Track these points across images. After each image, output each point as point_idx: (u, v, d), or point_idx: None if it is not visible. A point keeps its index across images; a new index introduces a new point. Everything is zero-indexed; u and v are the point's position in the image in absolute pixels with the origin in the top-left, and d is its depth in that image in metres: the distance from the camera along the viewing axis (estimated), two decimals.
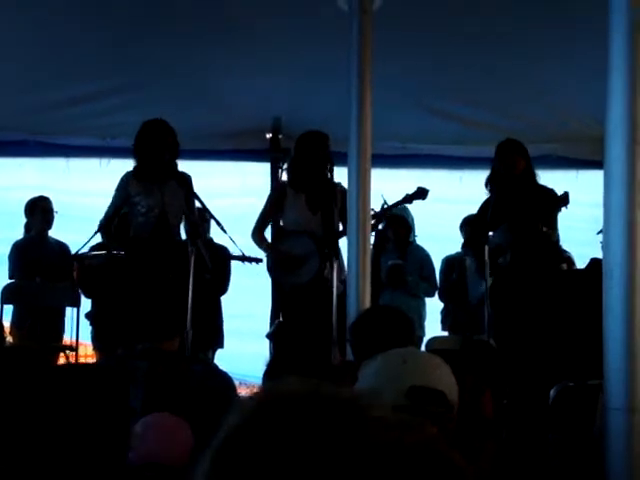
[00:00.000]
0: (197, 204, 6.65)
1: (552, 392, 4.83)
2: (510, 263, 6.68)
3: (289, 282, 6.88)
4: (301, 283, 6.78)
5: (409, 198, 7.07)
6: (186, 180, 6.63)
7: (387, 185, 7.37)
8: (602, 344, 2.90)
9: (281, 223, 7.13)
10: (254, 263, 6.94)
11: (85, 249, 6.70)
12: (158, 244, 6.55)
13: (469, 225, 7.70)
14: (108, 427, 2.17)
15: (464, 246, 7.51)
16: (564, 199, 6.62)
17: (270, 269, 7.07)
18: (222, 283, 7.74)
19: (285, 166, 7.61)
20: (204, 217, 6.90)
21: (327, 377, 3.37)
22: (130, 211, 6.65)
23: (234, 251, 6.88)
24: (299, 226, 6.90)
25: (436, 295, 8.20)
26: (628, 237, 2.61)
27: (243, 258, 6.85)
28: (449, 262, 8.15)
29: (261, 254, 6.99)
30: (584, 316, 4.61)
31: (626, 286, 2.61)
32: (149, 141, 6.56)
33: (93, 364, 4.69)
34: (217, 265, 7.02)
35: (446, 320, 8.19)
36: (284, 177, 7.63)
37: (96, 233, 6.62)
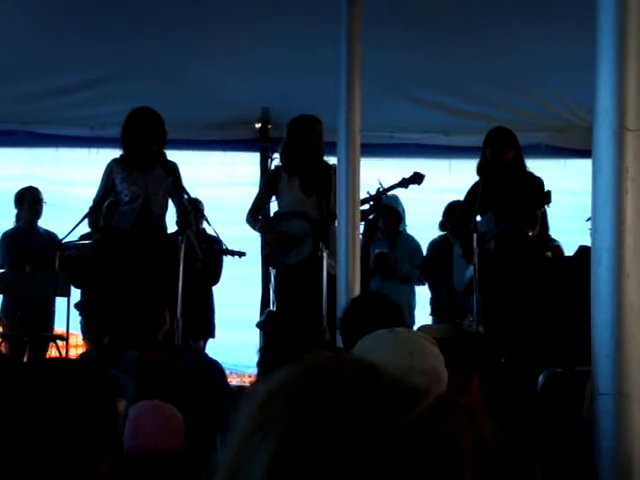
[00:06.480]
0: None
1: (540, 378, 4.86)
2: (494, 251, 6.69)
3: (283, 263, 6.83)
4: (294, 264, 6.75)
5: (405, 182, 7.07)
6: (173, 169, 6.55)
7: (375, 175, 7.37)
8: (590, 330, 2.93)
9: (276, 208, 7.09)
10: (237, 257, 6.93)
11: (71, 237, 6.67)
12: (139, 235, 6.47)
13: (455, 210, 7.72)
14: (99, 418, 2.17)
15: (450, 232, 7.49)
16: (546, 197, 6.58)
17: (264, 250, 7.05)
18: (214, 273, 7.75)
19: (275, 155, 7.60)
20: (196, 206, 6.85)
21: None
22: (115, 199, 6.60)
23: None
24: (294, 209, 6.86)
25: (426, 284, 8.22)
26: (616, 222, 2.63)
27: (226, 251, 6.83)
28: (436, 245, 8.21)
29: (245, 248, 6.96)
30: (572, 302, 4.63)
31: (614, 270, 2.63)
32: (136, 129, 6.48)
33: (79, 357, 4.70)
34: (209, 255, 7.02)
35: (433, 305, 8.23)
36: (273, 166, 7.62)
37: (80, 222, 6.55)
